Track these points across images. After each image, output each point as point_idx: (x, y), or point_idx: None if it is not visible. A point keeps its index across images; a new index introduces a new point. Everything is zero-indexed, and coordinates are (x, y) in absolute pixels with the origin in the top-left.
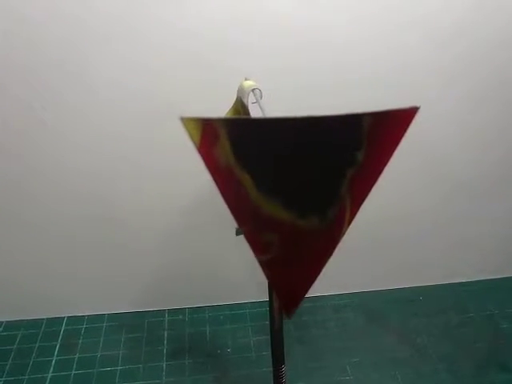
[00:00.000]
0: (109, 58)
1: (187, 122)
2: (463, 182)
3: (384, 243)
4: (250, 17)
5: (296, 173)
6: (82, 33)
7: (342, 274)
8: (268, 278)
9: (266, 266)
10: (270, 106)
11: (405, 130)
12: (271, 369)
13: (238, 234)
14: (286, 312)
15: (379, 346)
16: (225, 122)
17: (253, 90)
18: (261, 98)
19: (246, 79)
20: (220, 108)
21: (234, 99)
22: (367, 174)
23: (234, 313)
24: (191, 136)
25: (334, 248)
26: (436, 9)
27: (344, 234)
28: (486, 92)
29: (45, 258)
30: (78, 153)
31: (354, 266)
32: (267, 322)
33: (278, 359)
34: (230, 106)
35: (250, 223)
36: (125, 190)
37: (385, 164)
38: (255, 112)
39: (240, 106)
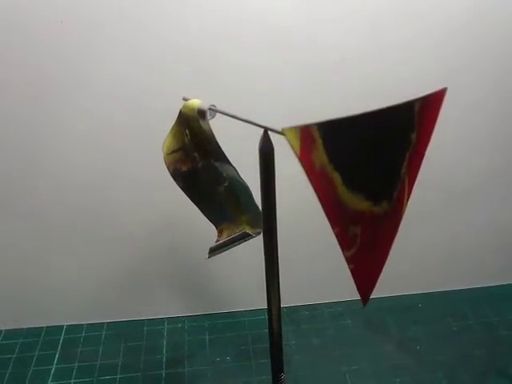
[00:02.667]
0: (112, 54)
1: (288, 131)
2: (459, 188)
3: None
4: (252, 15)
5: (372, 163)
6: (86, 29)
7: (339, 281)
8: (352, 271)
9: (351, 260)
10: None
11: (439, 109)
12: (270, 377)
13: (210, 255)
14: (364, 300)
15: (378, 354)
16: (320, 125)
17: (209, 108)
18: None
19: (184, 99)
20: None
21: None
22: (418, 153)
23: (232, 321)
24: (292, 145)
25: (398, 229)
26: (433, 4)
27: (404, 213)
28: (485, 93)
29: (44, 266)
30: (77, 147)
31: None
32: (266, 330)
33: (277, 367)
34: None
35: (340, 221)
36: (127, 192)
37: (429, 142)
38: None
39: (187, 127)
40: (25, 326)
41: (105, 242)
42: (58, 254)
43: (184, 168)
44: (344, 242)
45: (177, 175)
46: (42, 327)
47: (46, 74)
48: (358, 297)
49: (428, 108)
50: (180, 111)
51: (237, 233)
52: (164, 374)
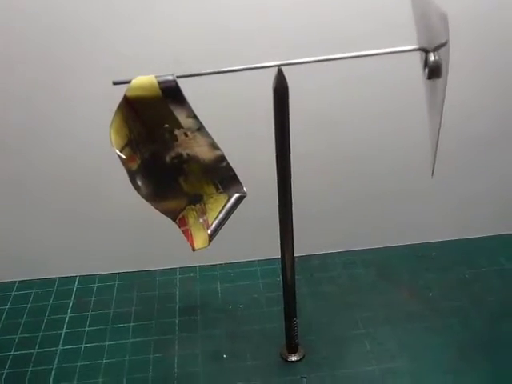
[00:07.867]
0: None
1: None
2: (473, 134)
3: (394, 199)
4: None
5: None
6: (85, 32)
7: (351, 230)
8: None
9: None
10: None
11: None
12: (283, 323)
13: (210, 240)
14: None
15: (391, 301)
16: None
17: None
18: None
19: (117, 82)
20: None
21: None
22: None
23: (244, 270)
24: None
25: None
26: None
27: None
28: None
29: (55, 217)
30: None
31: (364, 222)
32: (278, 279)
33: (290, 312)
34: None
35: None
36: None
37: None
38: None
39: (135, 113)
40: (38, 277)
41: (117, 192)
42: (69, 206)
43: (134, 166)
44: None
45: (133, 177)
46: (55, 278)
47: (48, 75)
48: (370, 246)
49: None
50: (125, 97)
51: (226, 202)
52: (177, 322)
